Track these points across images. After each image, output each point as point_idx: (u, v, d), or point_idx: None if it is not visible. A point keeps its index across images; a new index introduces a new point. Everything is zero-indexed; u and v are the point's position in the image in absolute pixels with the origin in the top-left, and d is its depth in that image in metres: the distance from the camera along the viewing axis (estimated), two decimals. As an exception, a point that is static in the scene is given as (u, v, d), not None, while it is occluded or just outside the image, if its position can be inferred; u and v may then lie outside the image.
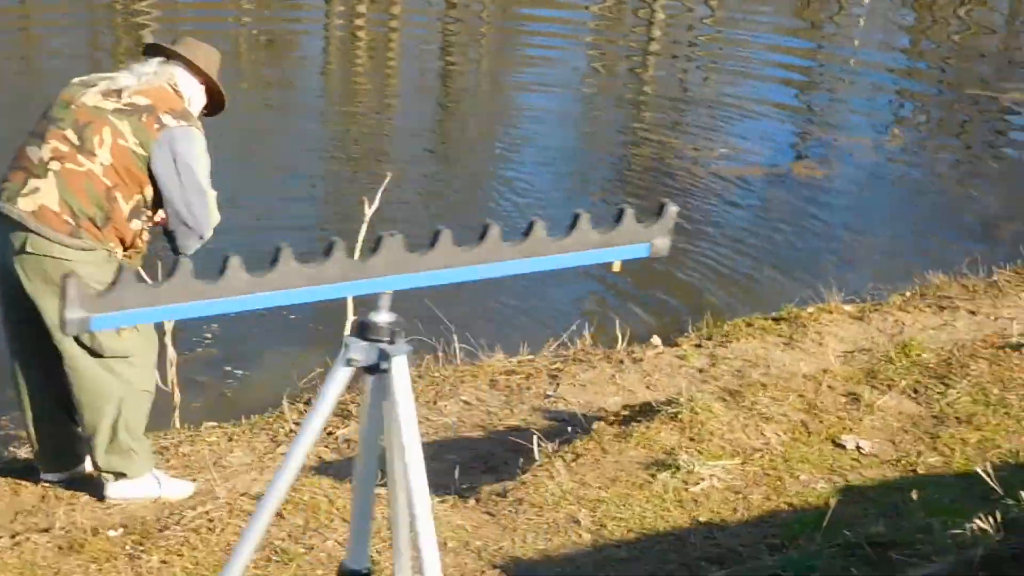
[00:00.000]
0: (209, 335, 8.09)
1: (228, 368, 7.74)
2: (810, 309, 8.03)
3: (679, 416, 5.79)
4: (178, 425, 6.68)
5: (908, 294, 8.38)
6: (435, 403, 6.92)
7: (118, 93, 5.23)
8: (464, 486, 5.64)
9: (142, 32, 18.74)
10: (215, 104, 5.65)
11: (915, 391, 6.20)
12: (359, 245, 7.10)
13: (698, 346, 7.63)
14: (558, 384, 7.12)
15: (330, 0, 21.83)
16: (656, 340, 7.85)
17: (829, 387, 6.19)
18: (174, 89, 5.39)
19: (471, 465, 6.24)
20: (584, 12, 22.06)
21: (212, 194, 5.35)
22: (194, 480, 5.80)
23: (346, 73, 17.58)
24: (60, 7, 20.73)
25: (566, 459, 5.56)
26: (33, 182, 5.06)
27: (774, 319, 7.92)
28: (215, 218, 5.36)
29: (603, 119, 15.19)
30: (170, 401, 6.71)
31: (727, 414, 5.84)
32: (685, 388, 6.36)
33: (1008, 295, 8.20)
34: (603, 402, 6.82)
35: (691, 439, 5.67)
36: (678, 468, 5.40)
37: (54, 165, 5.06)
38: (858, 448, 5.72)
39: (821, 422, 5.89)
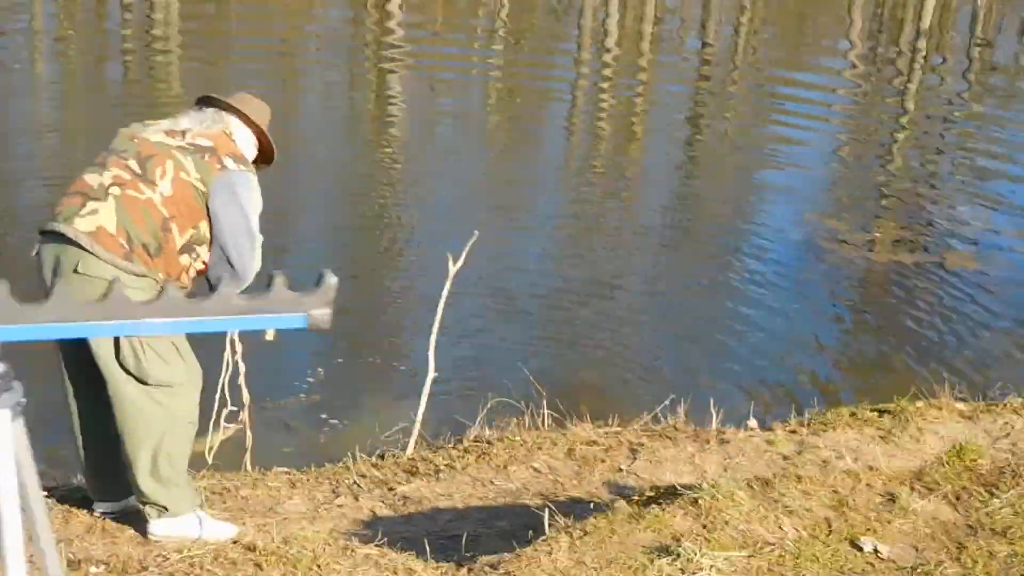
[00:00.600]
0: (312, 379, 8.36)
1: (323, 416, 7.97)
2: (919, 404, 7.87)
3: (698, 502, 5.76)
4: (249, 468, 6.91)
5: (1032, 395, 8.14)
6: (505, 467, 7.02)
7: (181, 134, 5.45)
8: (468, 554, 5.74)
9: (391, 68, 19.37)
10: (265, 158, 5.88)
11: (957, 497, 6.04)
12: (442, 302, 7.29)
13: (792, 432, 7.57)
14: (635, 459, 7.15)
15: (579, 63, 22.10)
16: (752, 422, 7.81)
17: (868, 485, 6.08)
18: (229, 137, 5.64)
19: (517, 533, 6.33)
20: (837, 77, 21.83)
21: (260, 239, 5.52)
22: (243, 524, 5.99)
23: (588, 135, 17.79)
24: (318, 37, 21.62)
25: (573, 535, 5.60)
26: (92, 204, 5.18)
27: (879, 411, 7.79)
28: (258, 264, 5.49)
29: (847, 203, 14.72)
30: (243, 443, 6.94)
31: (749, 503, 5.78)
32: (712, 473, 6.34)
33: None
34: (674, 481, 6.83)
35: (704, 526, 5.63)
36: (679, 555, 5.38)
37: (114, 190, 5.21)
38: (875, 551, 5.60)
39: (846, 521, 5.78)
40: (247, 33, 21.91)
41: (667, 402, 7.84)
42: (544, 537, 5.66)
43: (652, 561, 5.39)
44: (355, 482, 6.77)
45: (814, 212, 13.84)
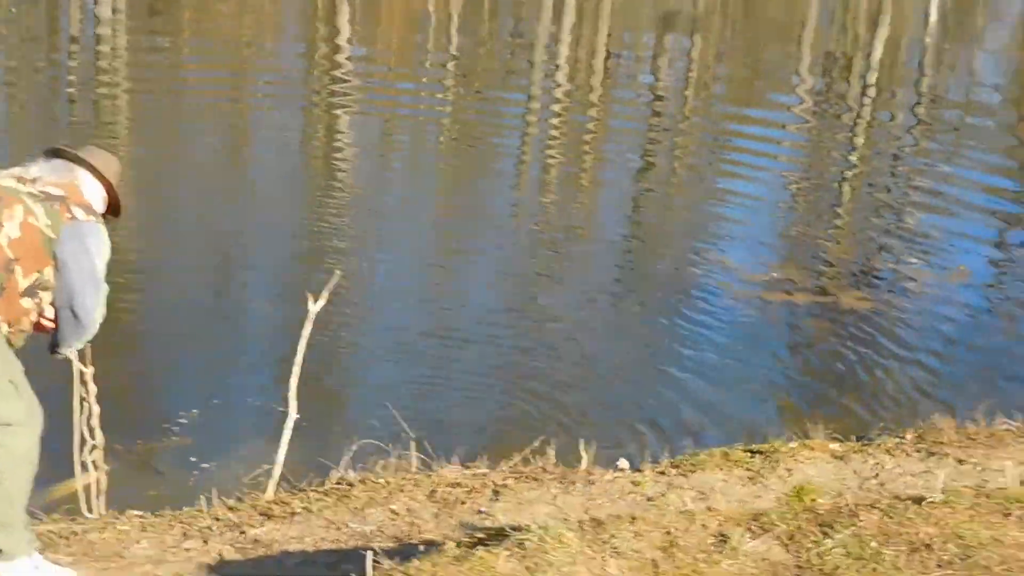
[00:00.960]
0: (185, 421, 8.34)
1: (193, 459, 7.95)
2: (792, 444, 7.87)
3: (525, 544, 5.74)
4: (103, 511, 6.87)
5: (908, 436, 8.12)
6: (363, 510, 7.00)
7: (32, 181, 5.47)
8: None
9: (342, 103, 19.43)
10: (112, 210, 5.89)
11: (791, 538, 6.00)
12: (302, 343, 7.26)
13: (661, 473, 7.56)
14: (497, 500, 7.14)
15: (531, 99, 22.12)
16: (623, 463, 7.81)
17: (703, 525, 6.05)
18: (78, 189, 5.65)
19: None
20: (787, 113, 21.91)
21: (105, 288, 5.55)
22: (84, 569, 5.95)
23: (539, 172, 17.81)
24: (271, 82, 21.68)
25: (394, 579, 5.58)
26: None
27: (751, 452, 7.79)
28: (101, 312, 5.53)
29: (791, 244, 14.71)
30: (96, 486, 6.90)
31: (577, 545, 5.74)
32: (542, 517, 6.32)
33: (1008, 446, 7.87)
34: (531, 523, 6.81)
35: (527, 568, 5.59)
36: (496, 599, 5.37)
37: None
38: (699, 594, 5.60)
39: (674, 562, 5.75)
40: (197, 67, 21.99)
41: (536, 443, 7.81)
42: (363, 582, 5.64)
43: (469, 605, 5.38)
44: (208, 525, 6.73)
45: (754, 253, 13.85)
